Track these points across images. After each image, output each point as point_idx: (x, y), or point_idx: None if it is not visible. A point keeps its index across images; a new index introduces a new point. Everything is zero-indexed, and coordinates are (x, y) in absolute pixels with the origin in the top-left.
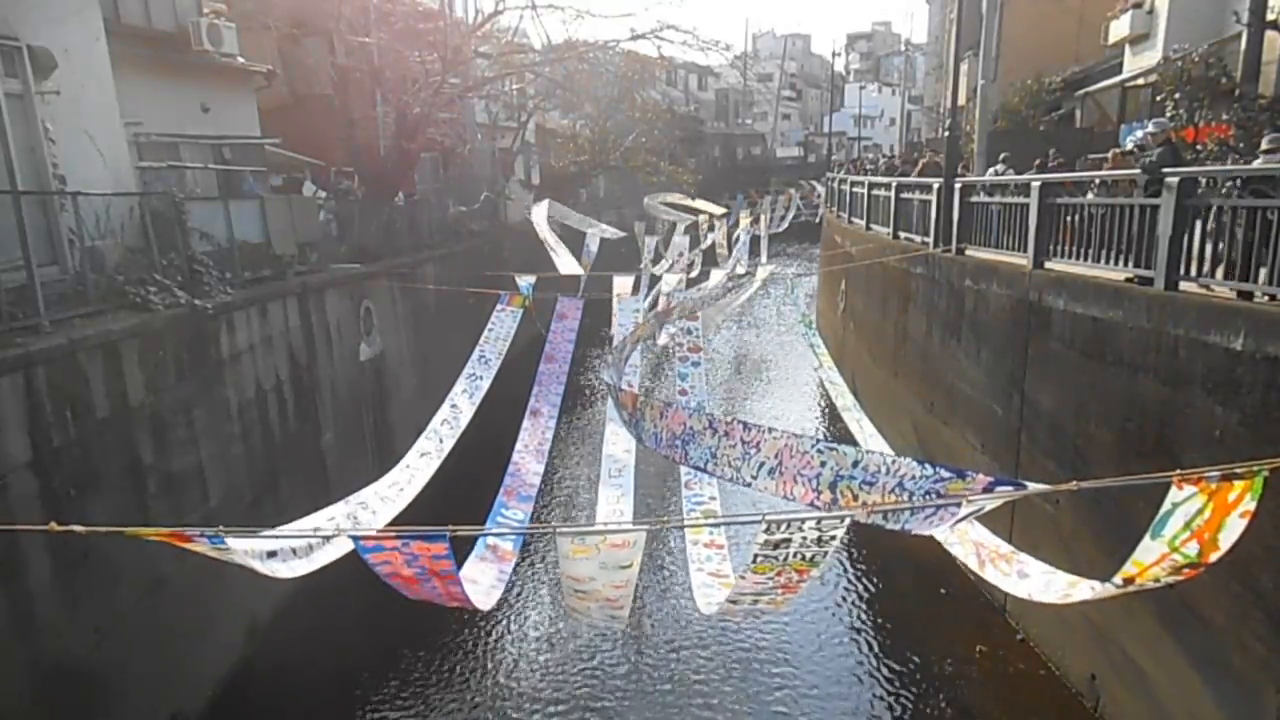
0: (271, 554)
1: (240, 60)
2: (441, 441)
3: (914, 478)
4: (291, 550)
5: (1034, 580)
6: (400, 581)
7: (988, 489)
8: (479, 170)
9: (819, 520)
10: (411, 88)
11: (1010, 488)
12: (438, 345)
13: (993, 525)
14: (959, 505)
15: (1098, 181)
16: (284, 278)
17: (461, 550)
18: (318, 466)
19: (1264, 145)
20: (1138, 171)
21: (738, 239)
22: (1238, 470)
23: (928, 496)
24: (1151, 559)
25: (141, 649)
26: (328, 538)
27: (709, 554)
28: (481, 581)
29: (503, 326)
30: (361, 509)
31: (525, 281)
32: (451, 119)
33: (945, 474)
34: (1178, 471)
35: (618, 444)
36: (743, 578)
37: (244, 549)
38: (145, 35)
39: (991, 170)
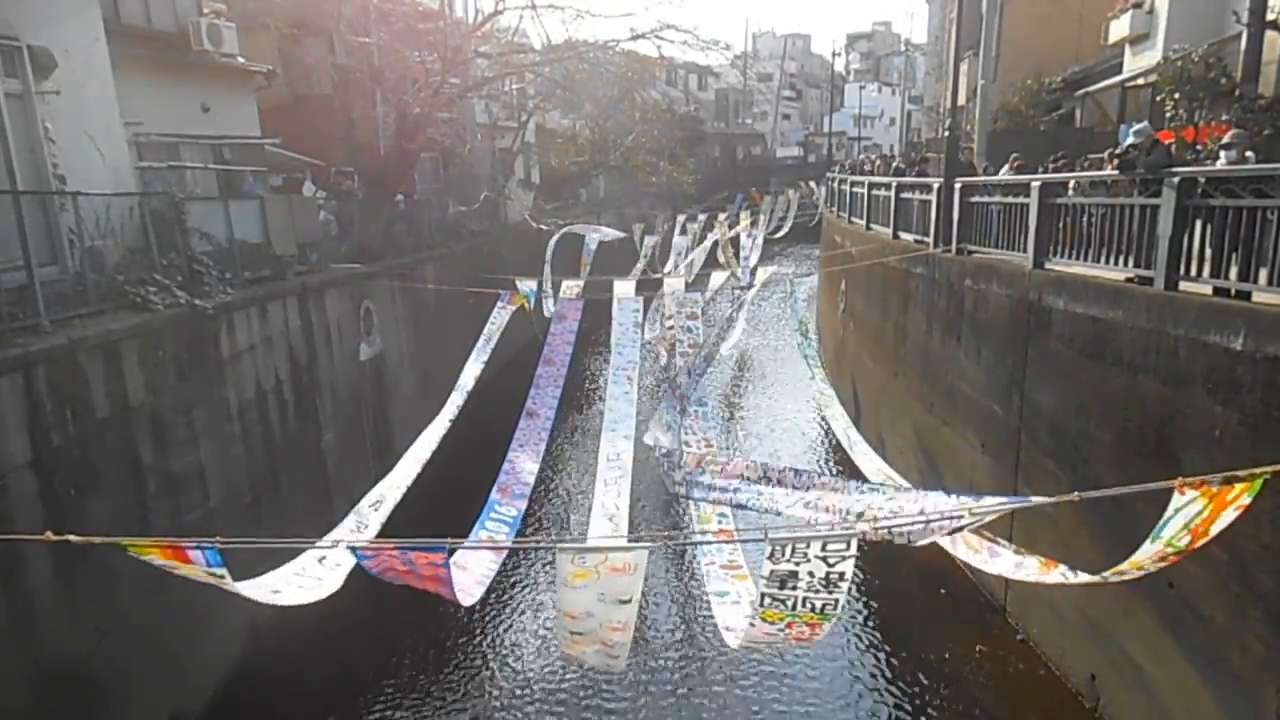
0: (276, 592)
1: (240, 60)
2: (449, 422)
3: (936, 502)
4: (298, 586)
5: (1004, 560)
6: (391, 574)
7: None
8: (479, 170)
9: (824, 545)
10: (411, 88)
11: (1016, 502)
12: (438, 345)
13: (991, 527)
14: (960, 517)
15: (1074, 183)
16: (284, 278)
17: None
18: (318, 466)
19: (1225, 139)
20: (1139, 171)
21: (737, 239)
22: (1239, 475)
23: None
24: (1146, 557)
25: (142, 649)
26: (329, 548)
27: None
28: (472, 568)
29: (501, 321)
30: (364, 508)
31: (528, 286)
32: (451, 119)
33: (967, 500)
34: (1180, 479)
35: (614, 445)
36: (753, 624)
37: (244, 586)
38: (145, 35)
39: (1005, 170)
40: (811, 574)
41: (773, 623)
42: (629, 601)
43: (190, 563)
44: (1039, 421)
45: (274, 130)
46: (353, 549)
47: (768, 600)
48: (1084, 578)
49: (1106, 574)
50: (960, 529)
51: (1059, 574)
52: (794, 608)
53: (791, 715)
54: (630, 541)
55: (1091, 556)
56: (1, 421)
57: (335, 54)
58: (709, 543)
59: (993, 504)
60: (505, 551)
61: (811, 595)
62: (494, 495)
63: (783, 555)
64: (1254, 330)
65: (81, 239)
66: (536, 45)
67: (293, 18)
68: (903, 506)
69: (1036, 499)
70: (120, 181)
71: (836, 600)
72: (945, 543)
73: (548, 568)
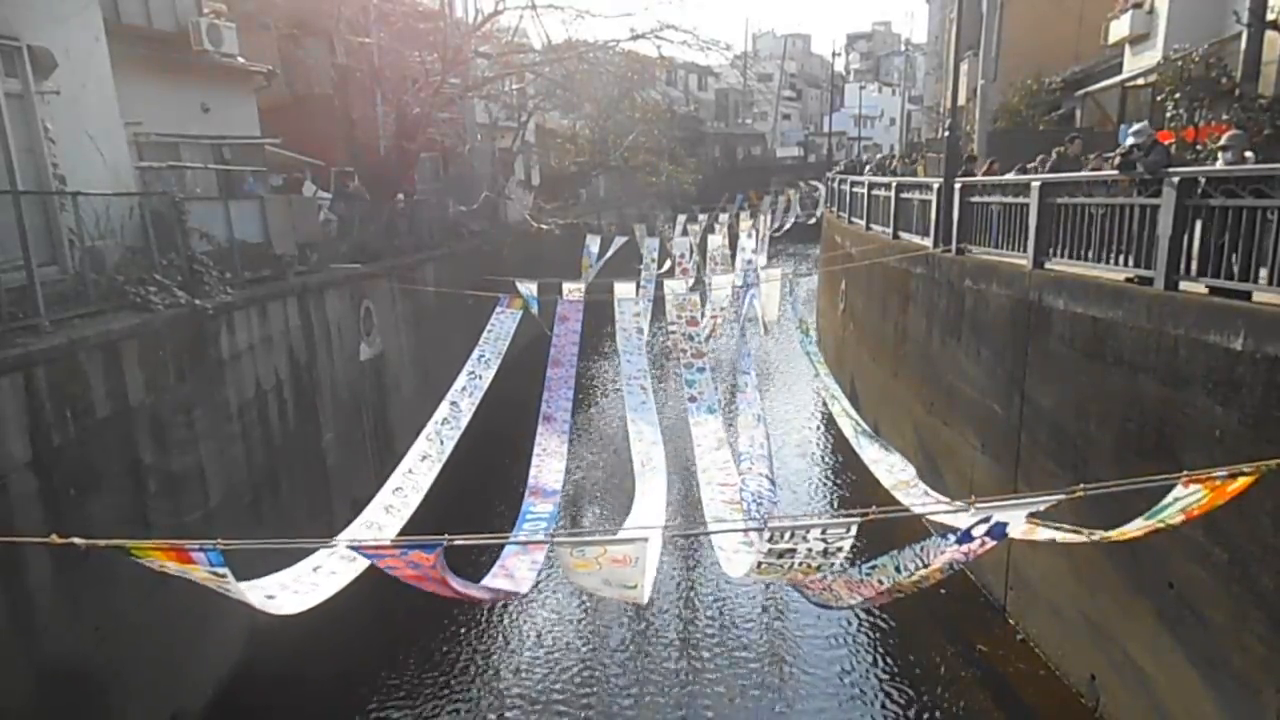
0: (270, 598)
1: (240, 60)
2: (442, 443)
3: (941, 551)
4: (294, 592)
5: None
6: (413, 579)
7: (985, 522)
8: (479, 170)
9: (824, 530)
10: (411, 88)
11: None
12: (438, 345)
13: None
14: (967, 513)
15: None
16: (284, 278)
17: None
18: (318, 466)
19: (1222, 141)
20: (1139, 171)
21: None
22: (1244, 470)
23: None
24: (1136, 530)
25: (142, 649)
26: (329, 546)
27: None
28: (517, 574)
29: (502, 327)
30: (367, 529)
31: (527, 289)
32: (451, 119)
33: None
34: (1185, 473)
35: (643, 439)
36: (751, 573)
37: (244, 587)
38: (145, 35)
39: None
40: (810, 549)
41: (768, 577)
42: (634, 587)
43: (193, 563)
44: (1039, 421)
45: (274, 130)
46: (353, 549)
47: (764, 565)
48: (1067, 537)
49: (1092, 535)
50: (969, 531)
51: (1045, 533)
52: (789, 569)
53: (792, 714)
54: (625, 534)
55: (1091, 554)
56: (1, 421)
57: (335, 54)
58: (707, 533)
59: (998, 500)
60: (544, 549)
61: (808, 560)
62: (528, 499)
63: (781, 538)
64: (1254, 330)
65: (81, 239)
66: (536, 45)
67: (293, 18)
68: (908, 565)
69: (1041, 498)
70: (120, 181)
71: (833, 564)
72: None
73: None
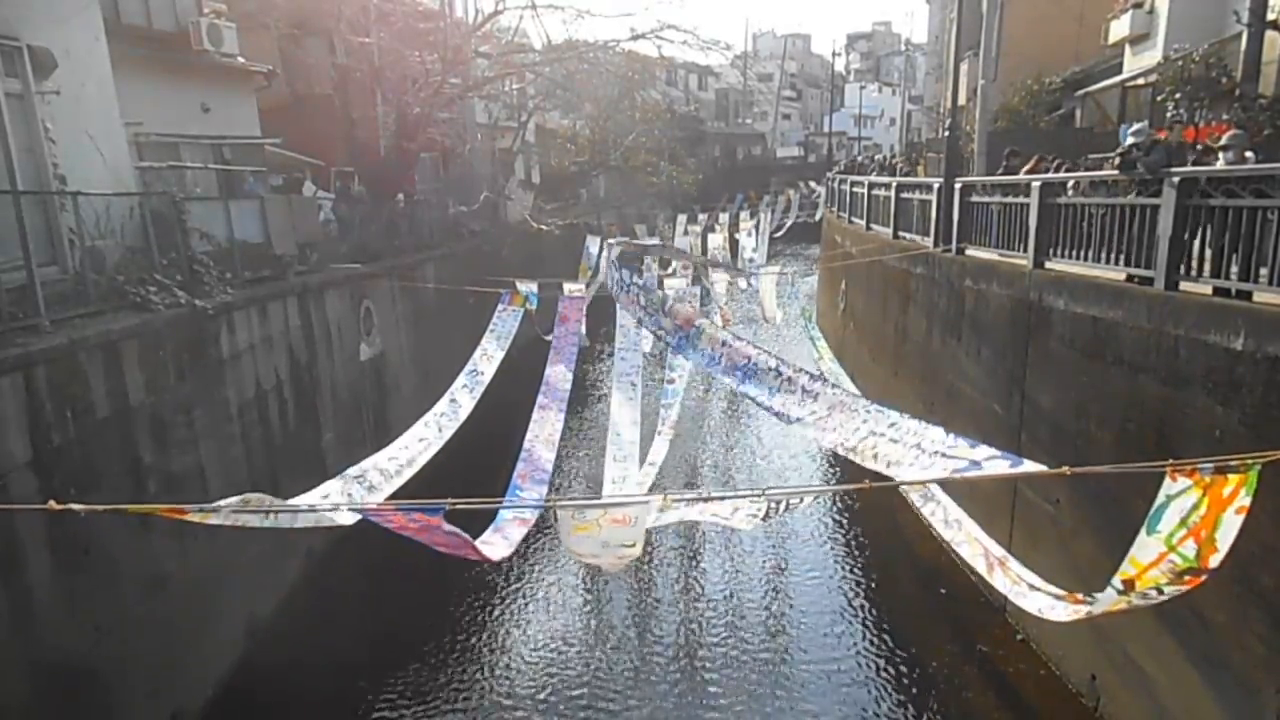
0: (325, 495)
1: (240, 60)
2: (440, 430)
3: (934, 440)
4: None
5: (1041, 598)
6: (410, 532)
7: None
8: (479, 170)
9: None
10: (411, 88)
11: (1008, 461)
12: (438, 345)
13: (992, 525)
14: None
15: (1072, 184)
16: (284, 278)
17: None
18: (318, 467)
19: (1222, 141)
20: (1139, 171)
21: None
22: (1231, 463)
23: (934, 456)
24: (1150, 558)
25: (142, 647)
26: (329, 510)
27: None
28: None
29: (504, 326)
30: (359, 484)
31: (528, 288)
32: (451, 119)
33: (961, 442)
34: (1170, 461)
35: (621, 436)
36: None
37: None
38: (145, 35)
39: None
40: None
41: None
42: (633, 546)
43: (188, 515)
44: (1039, 421)
45: (274, 130)
46: (357, 511)
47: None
48: (1104, 605)
49: (1116, 581)
50: (950, 478)
51: (1085, 609)
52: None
53: (791, 713)
54: (627, 499)
55: (1091, 553)
56: (2, 421)
57: (335, 54)
58: (709, 499)
59: (986, 454)
60: (534, 516)
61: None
62: (515, 481)
63: (776, 510)
64: (1254, 330)
65: (82, 239)
66: (536, 45)
67: (293, 18)
68: (903, 438)
69: (1029, 464)
70: (120, 181)
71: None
72: (980, 566)
73: (551, 553)
